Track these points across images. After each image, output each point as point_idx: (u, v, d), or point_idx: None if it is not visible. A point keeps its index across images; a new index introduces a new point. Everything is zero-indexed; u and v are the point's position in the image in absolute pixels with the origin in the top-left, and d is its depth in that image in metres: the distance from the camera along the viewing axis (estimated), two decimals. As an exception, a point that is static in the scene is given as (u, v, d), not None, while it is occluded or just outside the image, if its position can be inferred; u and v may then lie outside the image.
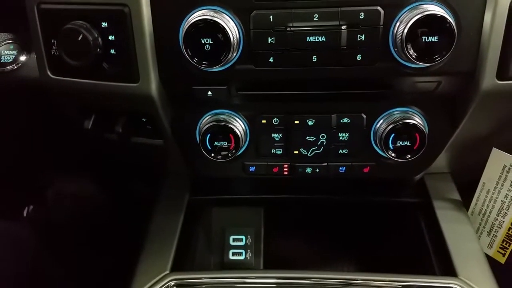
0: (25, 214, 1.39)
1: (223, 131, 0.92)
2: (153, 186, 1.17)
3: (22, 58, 1.04)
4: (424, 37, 0.75)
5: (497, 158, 0.96)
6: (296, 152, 0.97)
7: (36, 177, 1.40)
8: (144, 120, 1.00)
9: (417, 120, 0.89)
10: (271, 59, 0.82)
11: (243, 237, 1.10)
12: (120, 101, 0.92)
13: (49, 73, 0.91)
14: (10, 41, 1.06)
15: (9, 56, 1.05)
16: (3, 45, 1.06)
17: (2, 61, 1.04)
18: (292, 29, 0.80)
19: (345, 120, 0.93)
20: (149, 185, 1.25)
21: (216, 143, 0.92)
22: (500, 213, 1.00)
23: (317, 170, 0.98)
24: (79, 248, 1.44)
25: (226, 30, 0.78)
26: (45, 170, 1.40)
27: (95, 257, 1.45)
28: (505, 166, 0.95)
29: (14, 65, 1.04)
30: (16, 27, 1.07)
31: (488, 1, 0.78)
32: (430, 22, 0.75)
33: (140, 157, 1.18)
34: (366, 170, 0.97)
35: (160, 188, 1.14)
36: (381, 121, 0.92)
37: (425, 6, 0.76)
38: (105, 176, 1.45)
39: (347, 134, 0.95)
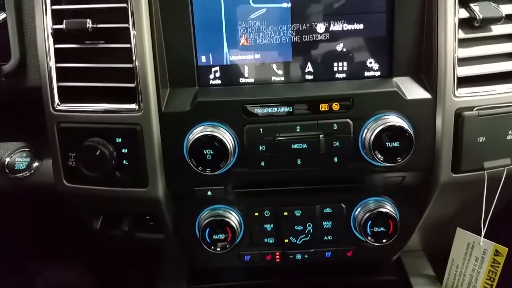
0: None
1: (221, 225, 1.03)
2: (150, 275, 1.24)
3: (35, 165, 1.15)
4: (387, 143, 0.91)
5: (462, 237, 1.09)
6: (286, 240, 1.08)
7: (26, 267, 1.44)
8: (148, 217, 1.10)
9: (389, 208, 1.03)
10: (262, 163, 0.96)
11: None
12: (129, 203, 1.02)
13: (64, 181, 1.01)
14: (24, 149, 1.17)
15: (22, 163, 1.15)
16: (16, 153, 1.17)
17: (16, 168, 1.14)
18: (279, 138, 0.95)
19: (328, 210, 1.06)
20: (146, 273, 1.31)
21: (214, 236, 1.02)
22: (470, 286, 1.10)
23: (306, 256, 1.09)
24: None
25: (224, 142, 0.92)
26: (36, 260, 1.45)
27: None
28: (469, 243, 1.07)
29: (27, 172, 1.14)
30: (29, 136, 1.19)
31: (438, 110, 0.95)
32: (391, 131, 0.91)
33: (139, 249, 1.26)
34: (349, 254, 1.09)
35: (158, 278, 1.21)
36: (359, 209, 1.06)
37: (386, 117, 0.93)
38: (101, 266, 1.50)
39: (330, 222, 1.07)
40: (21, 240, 1.35)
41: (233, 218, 1.05)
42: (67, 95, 0.98)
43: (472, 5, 0.93)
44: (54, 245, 1.38)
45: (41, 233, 1.31)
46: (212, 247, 1.03)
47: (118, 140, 0.95)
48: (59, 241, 1.37)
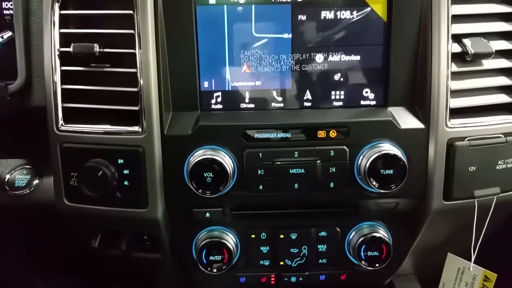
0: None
1: (218, 246, 1.04)
2: None
3: (35, 182, 1.15)
4: (382, 170, 0.94)
5: (452, 262, 1.11)
6: (281, 263, 1.10)
7: (23, 283, 1.43)
8: (145, 237, 1.12)
9: (382, 233, 1.05)
10: (260, 187, 0.99)
11: None
12: (128, 223, 1.04)
13: (65, 201, 1.02)
14: (24, 167, 1.18)
15: (22, 180, 1.16)
16: (17, 170, 1.18)
17: (16, 185, 1.15)
18: (277, 163, 0.98)
19: (323, 233, 1.09)
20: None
21: (211, 258, 1.04)
22: (460, 310, 1.13)
23: (300, 279, 1.11)
24: None
25: (224, 165, 0.94)
26: (34, 277, 1.44)
27: None
28: (459, 268, 1.10)
29: (27, 189, 1.15)
30: (30, 154, 1.20)
31: (430, 139, 0.98)
32: (386, 159, 0.94)
33: (136, 268, 1.27)
34: (343, 277, 1.11)
35: None
36: (353, 233, 1.08)
37: (381, 145, 0.96)
38: (98, 284, 1.50)
39: (325, 246, 1.09)
40: (19, 257, 1.35)
41: (230, 240, 1.06)
42: (71, 115, 1.00)
43: (464, 40, 0.98)
44: (52, 262, 1.38)
45: (39, 249, 1.32)
46: (209, 268, 1.04)
47: (120, 161, 0.97)
48: (57, 258, 1.37)
